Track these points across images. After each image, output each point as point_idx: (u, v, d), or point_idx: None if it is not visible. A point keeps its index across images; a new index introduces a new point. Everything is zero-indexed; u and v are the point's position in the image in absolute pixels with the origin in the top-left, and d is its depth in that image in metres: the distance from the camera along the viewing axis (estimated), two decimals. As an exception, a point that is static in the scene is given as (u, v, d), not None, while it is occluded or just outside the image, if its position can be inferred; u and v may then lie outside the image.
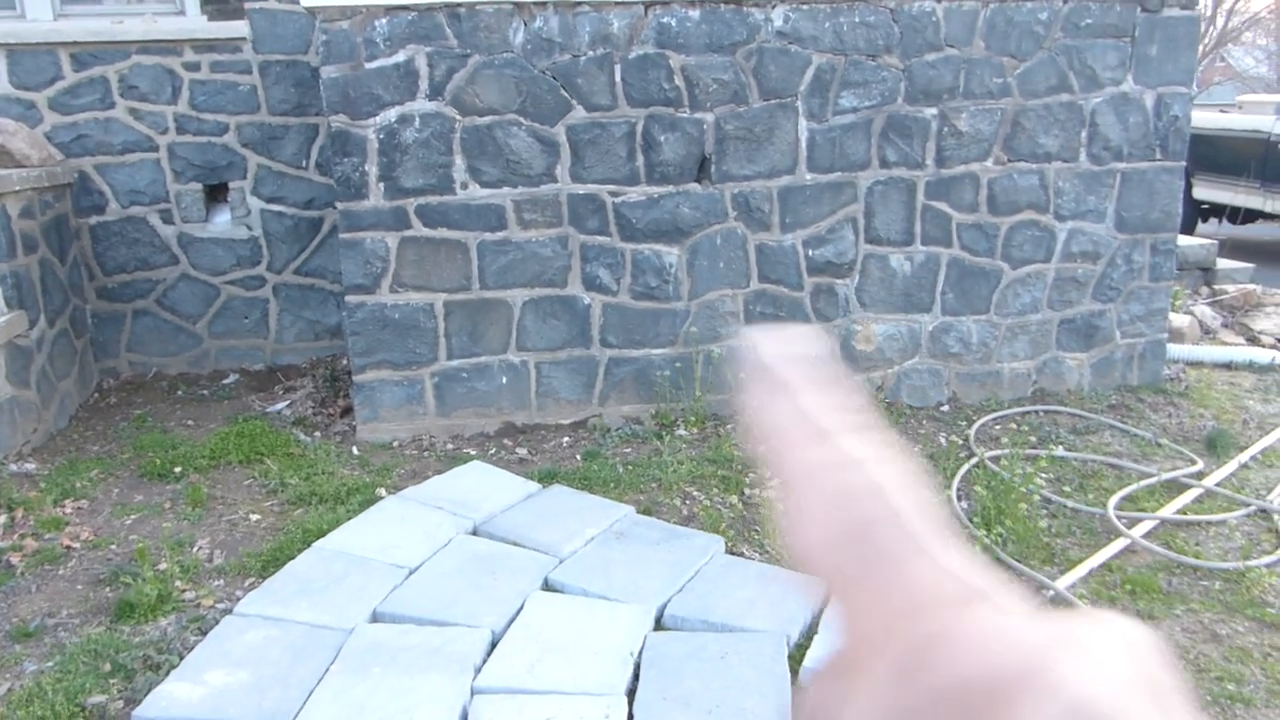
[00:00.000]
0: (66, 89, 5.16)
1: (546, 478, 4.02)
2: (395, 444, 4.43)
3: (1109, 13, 4.73)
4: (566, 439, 4.48)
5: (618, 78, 4.34)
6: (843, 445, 0.29)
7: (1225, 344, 5.95)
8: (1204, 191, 9.37)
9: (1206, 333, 6.10)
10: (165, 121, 5.27)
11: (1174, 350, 5.46)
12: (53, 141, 5.13)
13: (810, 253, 4.66)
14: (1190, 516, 3.76)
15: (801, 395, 0.31)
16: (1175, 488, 3.99)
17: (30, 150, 4.78)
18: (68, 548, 3.54)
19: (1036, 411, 4.83)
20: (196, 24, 5.37)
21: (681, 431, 4.49)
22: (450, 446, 4.42)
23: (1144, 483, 3.99)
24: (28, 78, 5.12)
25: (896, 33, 4.54)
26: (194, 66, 5.26)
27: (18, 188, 4.47)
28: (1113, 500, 3.80)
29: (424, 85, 4.24)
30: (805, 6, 4.43)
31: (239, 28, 5.27)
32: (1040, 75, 4.72)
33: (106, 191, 5.28)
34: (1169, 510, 3.79)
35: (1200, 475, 4.10)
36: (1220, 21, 21.24)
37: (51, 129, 5.16)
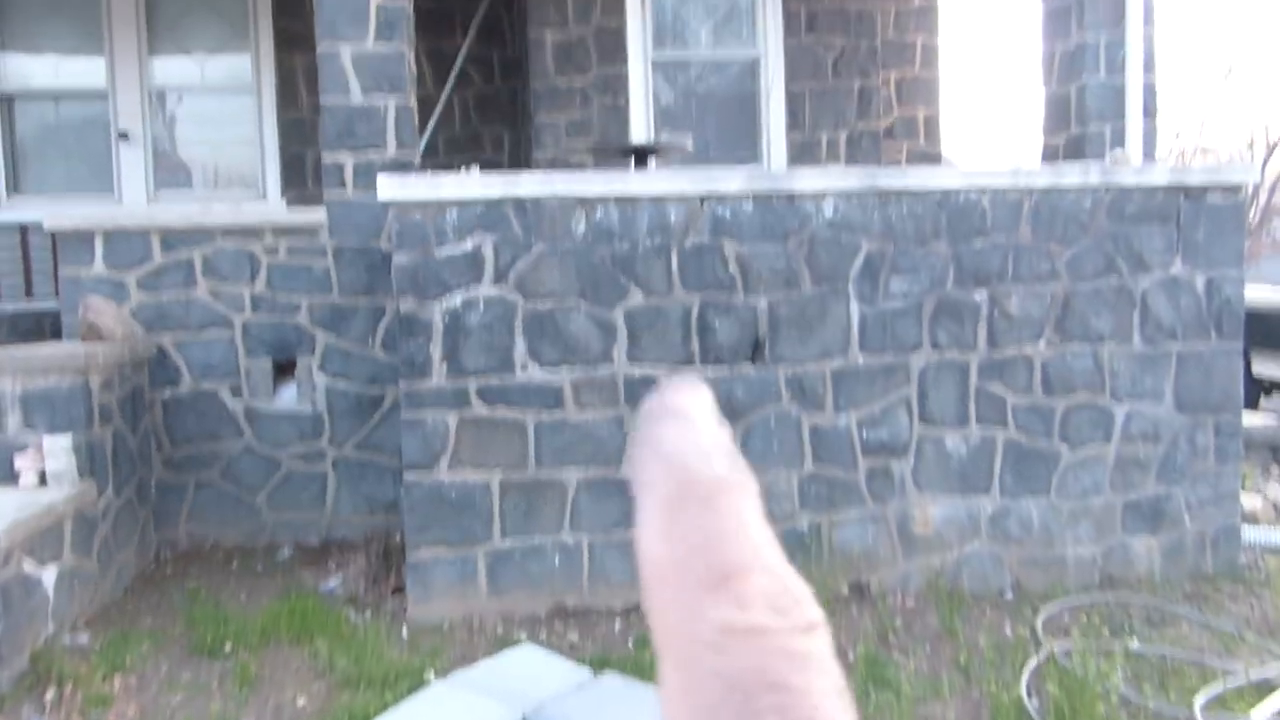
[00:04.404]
0: (154, 270, 5.48)
1: (598, 664, 3.90)
2: (445, 625, 4.37)
3: (1151, 200, 4.85)
4: (618, 624, 4.38)
5: (674, 265, 4.51)
6: (746, 601, 0.25)
7: (1301, 528, 5.70)
8: (1263, 368, 9.24)
9: (1280, 515, 5.87)
10: (243, 301, 5.55)
11: (1249, 534, 5.25)
12: (137, 318, 5.41)
13: (865, 434, 4.65)
14: (1285, 722, 3.51)
15: (727, 503, 0.28)
16: (1266, 687, 3.75)
17: (116, 327, 5.05)
18: (114, 730, 3.49)
19: (1106, 601, 4.63)
20: (277, 211, 5.75)
21: (736, 615, 4.36)
22: (500, 630, 4.34)
23: (1231, 683, 3.76)
24: (119, 259, 5.46)
25: (944, 220, 4.69)
26: (273, 250, 5.58)
27: (102, 362, 4.70)
28: (1199, 700, 3.58)
29: (489, 271, 4.44)
30: (855, 199, 4.61)
31: (316, 214, 5.61)
32: (1088, 259, 4.80)
33: (182, 366, 5.51)
34: (1261, 713, 3.55)
35: (1291, 675, 3.85)
36: (1264, 197, 21.56)
37: (137, 306, 5.45)
